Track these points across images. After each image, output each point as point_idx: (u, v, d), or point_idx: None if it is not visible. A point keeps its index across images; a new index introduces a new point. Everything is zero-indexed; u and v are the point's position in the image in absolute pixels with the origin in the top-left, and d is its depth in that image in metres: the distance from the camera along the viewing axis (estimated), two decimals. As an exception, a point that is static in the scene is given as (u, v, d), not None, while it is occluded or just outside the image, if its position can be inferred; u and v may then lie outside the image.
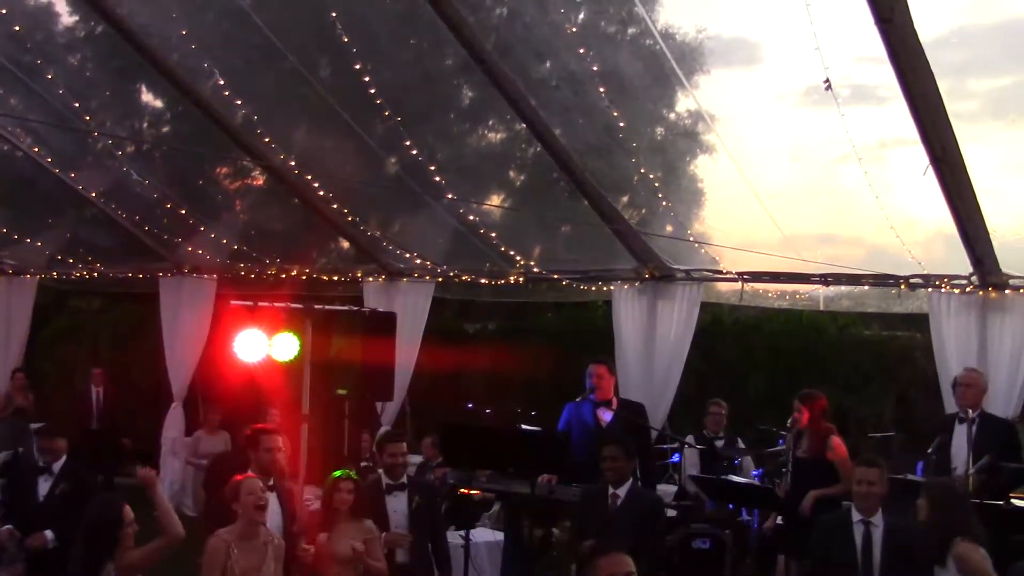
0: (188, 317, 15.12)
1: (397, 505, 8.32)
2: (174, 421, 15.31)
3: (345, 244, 14.86)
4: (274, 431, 8.19)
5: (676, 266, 12.35)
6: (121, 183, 13.69)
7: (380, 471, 8.61)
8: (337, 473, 8.06)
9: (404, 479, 8.45)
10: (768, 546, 9.83)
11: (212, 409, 14.26)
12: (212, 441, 13.86)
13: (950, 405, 10.19)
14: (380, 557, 7.82)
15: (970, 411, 9.07)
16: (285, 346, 9.24)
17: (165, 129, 14.87)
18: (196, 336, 14.99)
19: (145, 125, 14.64)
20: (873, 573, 7.06)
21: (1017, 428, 9.54)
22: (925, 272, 10.95)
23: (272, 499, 7.78)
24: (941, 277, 10.92)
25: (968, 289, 10.79)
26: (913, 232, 10.59)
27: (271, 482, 7.86)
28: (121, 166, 13.59)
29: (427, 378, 15.69)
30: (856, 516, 7.20)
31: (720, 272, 12.22)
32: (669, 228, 12.05)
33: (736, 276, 12.13)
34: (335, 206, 13.00)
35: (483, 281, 13.77)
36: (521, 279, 13.44)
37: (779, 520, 9.33)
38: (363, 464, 10.81)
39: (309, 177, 12.50)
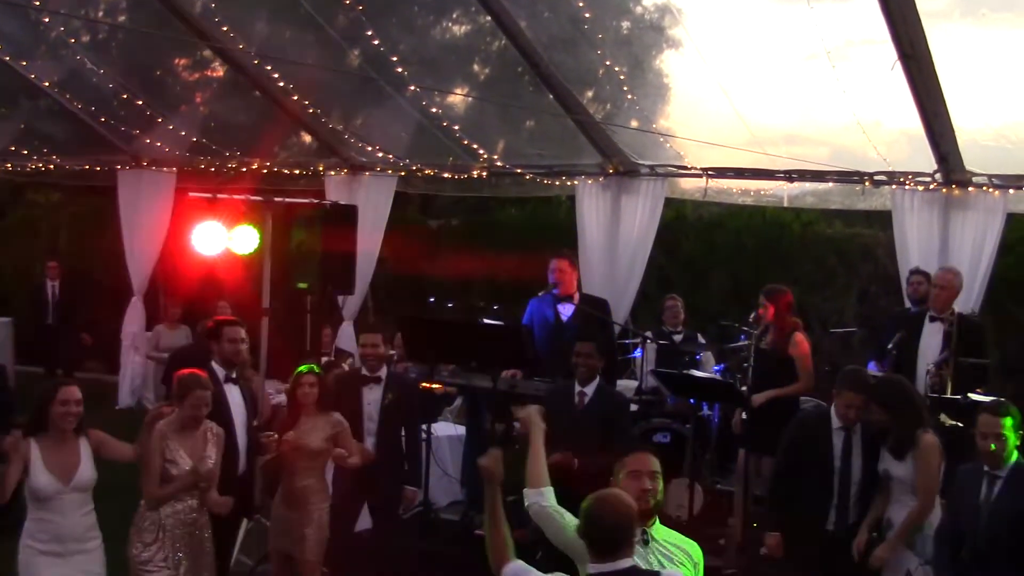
0: (147, 211, 14.95)
1: (371, 396, 8.28)
2: (134, 315, 15.25)
3: (307, 137, 14.66)
4: (237, 322, 8.11)
5: (641, 161, 12.27)
6: (76, 73, 13.40)
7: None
8: (301, 368, 8.03)
9: (381, 373, 8.35)
10: (729, 440, 9.92)
11: (172, 303, 14.18)
12: (173, 335, 13.79)
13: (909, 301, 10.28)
14: (351, 449, 7.77)
15: (953, 311, 9.07)
16: (245, 239, 9.13)
17: (121, 18, 14.51)
18: (156, 230, 14.84)
19: (100, 13, 14.26)
20: (851, 479, 7.10)
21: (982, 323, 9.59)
22: (890, 169, 10.93)
23: (235, 391, 7.79)
24: (905, 174, 10.91)
25: (932, 186, 10.81)
26: (879, 130, 10.55)
27: (234, 374, 7.85)
28: (76, 55, 13.28)
29: (390, 273, 15.67)
30: (836, 423, 7.18)
31: (684, 168, 12.16)
32: (634, 123, 11.94)
33: (701, 172, 12.07)
34: (296, 98, 12.78)
35: (446, 175, 13.65)
36: (484, 174, 13.32)
37: (743, 416, 9.38)
38: (324, 358, 10.76)
39: (269, 68, 12.26)
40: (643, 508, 4.86)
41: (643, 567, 4.65)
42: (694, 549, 5.06)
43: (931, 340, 9.01)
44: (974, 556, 6.28)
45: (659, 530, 5.01)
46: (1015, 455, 6.27)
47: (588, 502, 4.54)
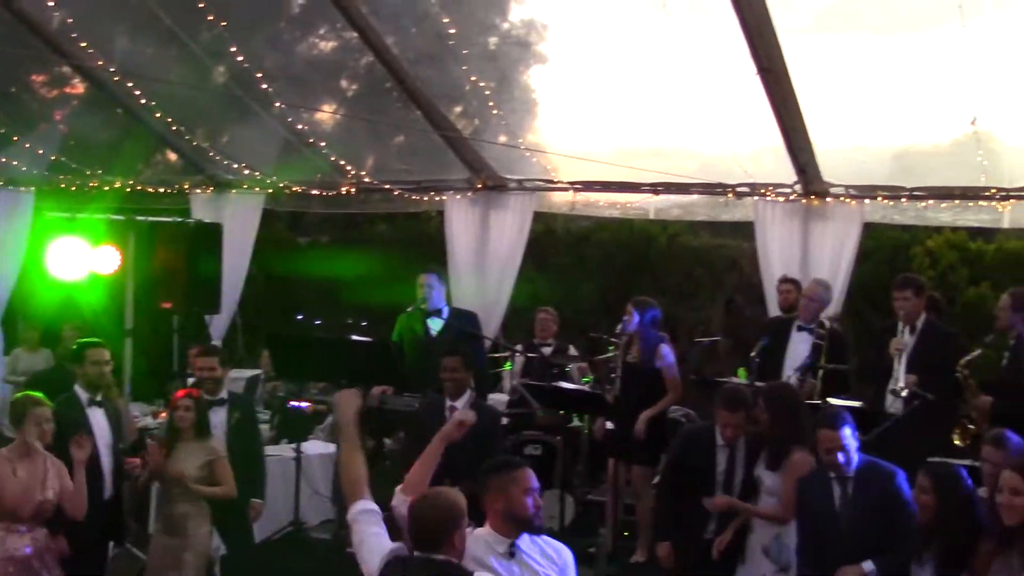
0: (4, 232, 14.45)
1: (216, 419, 8.07)
2: (-8, 340, 14.75)
3: (172, 155, 14.40)
4: (100, 344, 7.93)
5: (509, 176, 12.33)
6: (-76, 90, 12.99)
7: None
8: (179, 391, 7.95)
9: (224, 394, 8.23)
10: (599, 451, 10.00)
11: (31, 326, 13.73)
12: (32, 358, 13.33)
13: (773, 310, 10.51)
14: (226, 478, 7.66)
15: (822, 322, 9.29)
16: (106, 259, 8.97)
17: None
18: (13, 251, 14.34)
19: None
20: (734, 485, 7.19)
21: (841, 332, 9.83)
22: (752, 181, 11.17)
23: (99, 414, 7.60)
24: (767, 185, 11.15)
25: (792, 197, 11.06)
26: (742, 143, 10.77)
27: (99, 397, 7.66)
28: (-77, 72, 12.87)
29: (258, 291, 15.48)
30: (721, 440, 7.26)
31: (552, 182, 12.26)
32: (503, 138, 11.99)
33: (568, 186, 12.18)
34: (159, 115, 12.55)
35: (314, 192, 13.53)
36: (353, 190, 13.24)
37: (608, 425, 9.47)
38: (190, 379, 10.57)
39: (131, 85, 12.02)
40: (538, 523, 4.99)
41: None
42: (563, 553, 5.09)
43: (798, 348, 9.18)
44: (840, 561, 6.38)
45: (525, 540, 5.03)
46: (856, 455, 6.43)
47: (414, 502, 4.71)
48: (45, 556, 6.75)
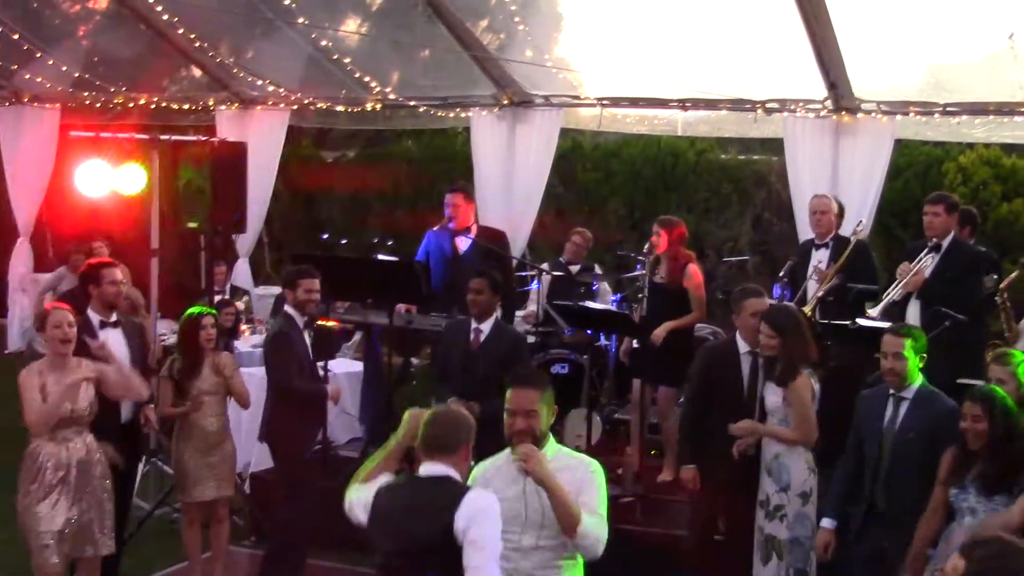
0: (30, 149, 14.51)
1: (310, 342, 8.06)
2: (21, 257, 14.86)
3: (196, 72, 14.32)
4: (114, 264, 7.90)
5: (535, 92, 12.21)
6: (-55, 5, 12.90)
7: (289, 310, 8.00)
8: (195, 310, 7.93)
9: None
10: (625, 370, 10.00)
11: (78, 247, 13.63)
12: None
13: (804, 229, 10.40)
14: (242, 383, 7.97)
15: (827, 238, 9.22)
16: (131, 178, 8.94)
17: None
18: (40, 168, 14.42)
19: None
20: (756, 400, 7.13)
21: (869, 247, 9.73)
22: (781, 96, 11.01)
23: (116, 334, 7.59)
24: (796, 101, 11.00)
25: (822, 113, 10.92)
26: (772, 58, 10.59)
27: (114, 317, 7.66)
28: (-53, -13, 12.77)
29: (285, 209, 15.50)
30: (743, 347, 7.22)
31: (579, 98, 12.14)
32: (528, 53, 11.84)
33: (595, 102, 12.06)
34: (182, 32, 12.46)
35: (339, 108, 13.45)
36: (379, 106, 13.15)
37: (635, 344, 9.44)
38: (218, 296, 10.60)
39: (152, 1, 11.92)
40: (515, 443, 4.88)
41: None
42: (579, 469, 4.96)
43: (816, 265, 9.15)
44: (876, 480, 6.38)
45: (551, 449, 4.98)
46: (919, 377, 6.35)
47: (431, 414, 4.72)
48: (95, 463, 6.84)
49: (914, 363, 6.32)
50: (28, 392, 6.64)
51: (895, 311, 8.31)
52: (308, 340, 7.96)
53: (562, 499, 4.70)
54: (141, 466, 8.73)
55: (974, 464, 5.77)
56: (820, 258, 9.11)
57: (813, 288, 8.97)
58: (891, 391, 6.41)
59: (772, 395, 6.92)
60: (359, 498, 4.72)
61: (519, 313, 10.90)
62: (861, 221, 9.53)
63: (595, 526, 4.77)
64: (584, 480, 4.91)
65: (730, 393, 7.22)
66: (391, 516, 4.55)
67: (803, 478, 6.79)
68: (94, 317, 7.52)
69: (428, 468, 4.55)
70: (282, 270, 12.42)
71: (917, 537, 6.07)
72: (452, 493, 4.44)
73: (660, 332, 9.02)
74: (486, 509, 4.40)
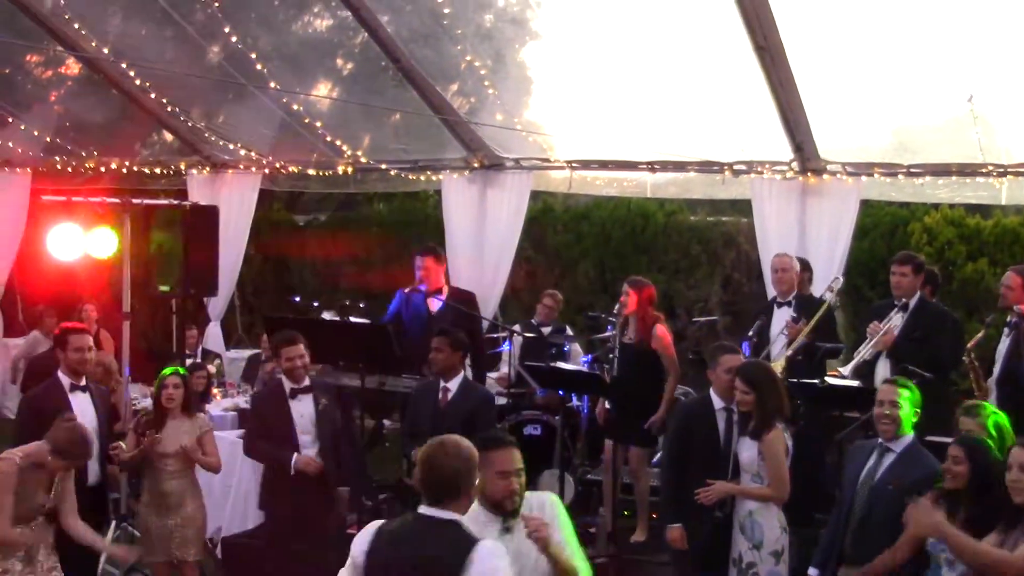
0: (1, 213, 14.46)
1: (303, 409, 7.99)
2: (-9, 321, 14.78)
3: (168, 136, 14.38)
4: (84, 330, 7.94)
5: (505, 155, 12.32)
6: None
7: (280, 375, 8.17)
8: (165, 371, 7.93)
9: (307, 381, 8.07)
10: (597, 431, 10.02)
11: (49, 311, 13.58)
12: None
13: (772, 288, 10.49)
14: (213, 452, 7.84)
15: (789, 295, 9.33)
16: (103, 242, 8.95)
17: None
18: (10, 233, 14.37)
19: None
20: (731, 455, 7.12)
21: (834, 307, 9.81)
22: (748, 158, 11.16)
23: (85, 398, 7.62)
24: (763, 163, 11.14)
25: (788, 175, 11.06)
26: (738, 121, 10.74)
27: (82, 382, 7.69)
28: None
29: (256, 272, 15.52)
30: (718, 403, 7.26)
31: (549, 161, 12.26)
32: (499, 116, 11.97)
33: (565, 164, 12.19)
34: (154, 96, 12.53)
35: (311, 172, 13.53)
36: (350, 169, 13.24)
37: (607, 405, 9.48)
38: (189, 360, 10.59)
39: (125, 66, 12.00)
40: (510, 508, 4.89)
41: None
42: (546, 505, 5.04)
43: (778, 324, 9.22)
44: (847, 527, 6.41)
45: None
46: (911, 432, 6.38)
47: (427, 448, 4.55)
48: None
49: (908, 415, 6.36)
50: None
51: (865, 369, 8.40)
52: (305, 407, 7.98)
53: (566, 564, 4.78)
54: (111, 530, 8.65)
55: (956, 510, 5.74)
56: (783, 316, 9.19)
57: (781, 345, 9.03)
58: (880, 440, 6.45)
59: (746, 450, 6.94)
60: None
61: (492, 375, 10.93)
62: (838, 278, 9.65)
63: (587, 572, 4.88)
64: (551, 517, 4.97)
65: (707, 449, 7.23)
66: (394, 567, 4.45)
67: (775, 536, 6.81)
68: (65, 380, 7.53)
69: (432, 511, 4.47)
70: (254, 333, 12.41)
71: (874, 564, 6.09)
72: (461, 546, 4.34)
73: (659, 418, 9.15)
74: (497, 570, 4.35)
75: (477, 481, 4.66)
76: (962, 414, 6.49)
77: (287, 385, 7.99)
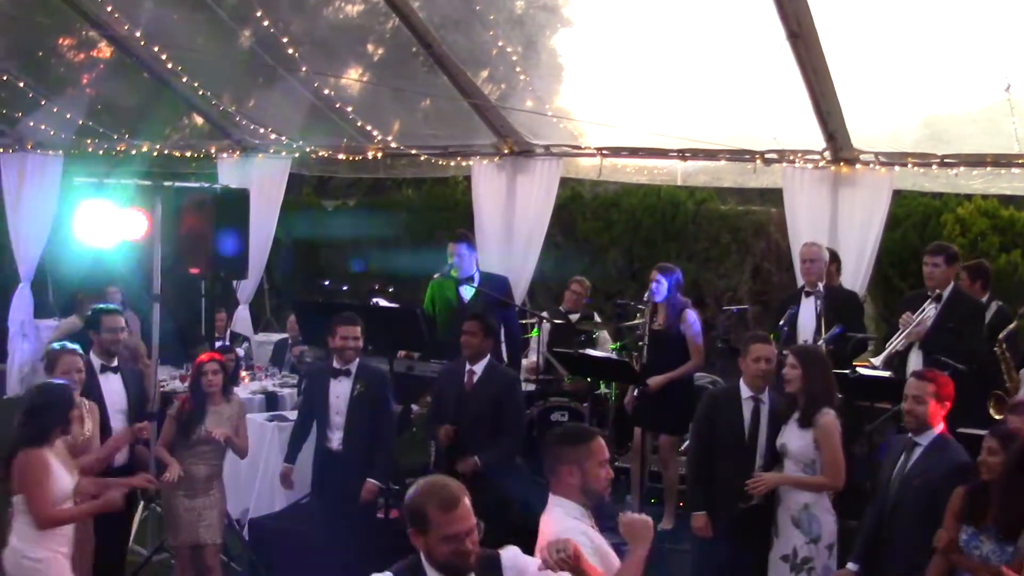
0: (33, 195, 14.58)
1: (339, 390, 8.07)
2: (22, 303, 14.85)
3: (199, 120, 14.43)
4: (117, 312, 8.00)
5: (535, 141, 12.28)
6: (-48, 54, 13.00)
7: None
8: (203, 357, 7.98)
9: (352, 366, 8.09)
10: (625, 418, 9.99)
11: (89, 298, 13.59)
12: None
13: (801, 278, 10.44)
14: (245, 435, 7.97)
15: (818, 284, 9.23)
16: (134, 224, 8.97)
17: (2, -1, 14.10)
18: (42, 215, 14.47)
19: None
20: (758, 446, 7.12)
21: (864, 299, 9.75)
22: (780, 147, 11.08)
23: (116, 380, 7.70)
24: (795, 152, 11.05)
25: (820, 164, 10.97)
26: (770, 109, 10.66)
27: (114, 363, 7.75)
28: (-49, 36, 12.89)
29: (285, 255, 15.54)
30: (746, 392, 7.22)
31: (579, 147, 12.21)
32: (529, 103, 11.94)
33: (595, 151, 12.14)
34: (186, 80, 12.56)
35: (341, 157, 13.54)
36: (380, 154, 13.24)
37: (635, 392, 9.45)
38: (219, 343, 10.62)
39: (157, 49, 12.03)
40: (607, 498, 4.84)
41: None
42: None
43: (807, 314, 9.11)
44: (881, 520, 6.39)
45: None
46: (939, 425, 6.33)
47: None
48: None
49: (935, 409, 6.30)
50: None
51: (897, 361, 8.34)
52: (342, 388, 8.06)
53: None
54: (139, 511, 8.71)
55: (987, 505, 5.68)
56: (809, 306, 9.11)
57: (810, 333, 8.95)
58: (909, 435, 6.40)
59: (796, 440, 6.86)
60: None
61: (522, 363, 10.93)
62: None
63: None
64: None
65: (730, 437, 7.21)
66: None
67: (831, 528, 6.78)
68: (96, 361, 7.59)
69: None
70: (282, 316, 12.43)
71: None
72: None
73: (656, 381, 9.05)
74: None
75: (577, 476, 4.67)
76: (1009, 412, 6.44)
77: (337, 363, 8.11)
